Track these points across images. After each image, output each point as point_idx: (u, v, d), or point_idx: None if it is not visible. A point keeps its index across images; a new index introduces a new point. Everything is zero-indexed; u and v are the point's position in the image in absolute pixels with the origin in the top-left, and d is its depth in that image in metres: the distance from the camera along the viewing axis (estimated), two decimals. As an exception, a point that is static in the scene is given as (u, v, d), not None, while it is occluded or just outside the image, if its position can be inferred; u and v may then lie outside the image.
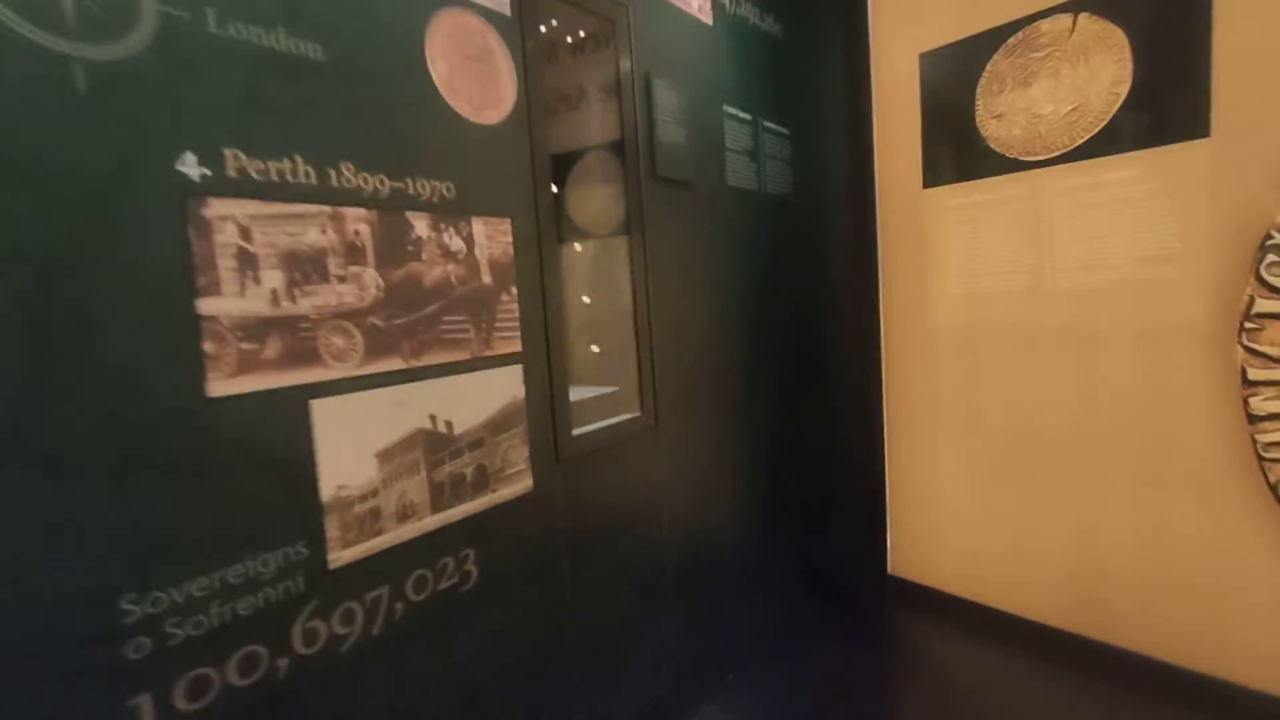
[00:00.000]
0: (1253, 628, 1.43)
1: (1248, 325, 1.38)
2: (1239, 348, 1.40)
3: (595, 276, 1.68)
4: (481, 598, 1.13)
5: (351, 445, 0.94)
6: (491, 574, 1.15)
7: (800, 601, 2.03)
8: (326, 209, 0.91)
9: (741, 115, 1.91)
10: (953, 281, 1.84)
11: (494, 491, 1.16)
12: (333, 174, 0.92)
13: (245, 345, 0.82)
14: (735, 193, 1.88)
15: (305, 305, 0.88)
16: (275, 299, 0.85)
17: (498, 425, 1.17)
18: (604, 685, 1.40)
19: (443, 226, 1.07)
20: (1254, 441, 1.41)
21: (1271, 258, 1.34)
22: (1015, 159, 1.67)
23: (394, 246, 1.00)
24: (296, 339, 0.88)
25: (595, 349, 1.58)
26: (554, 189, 1.55)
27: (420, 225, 1.04)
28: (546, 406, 1.27)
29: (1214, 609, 1.47)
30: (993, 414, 1.79)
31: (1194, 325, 1.46)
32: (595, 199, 1.65)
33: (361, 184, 0.96)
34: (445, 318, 1.07)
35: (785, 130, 2.11)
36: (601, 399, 1.53)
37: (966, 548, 1.89)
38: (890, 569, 2.07)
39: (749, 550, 1.91)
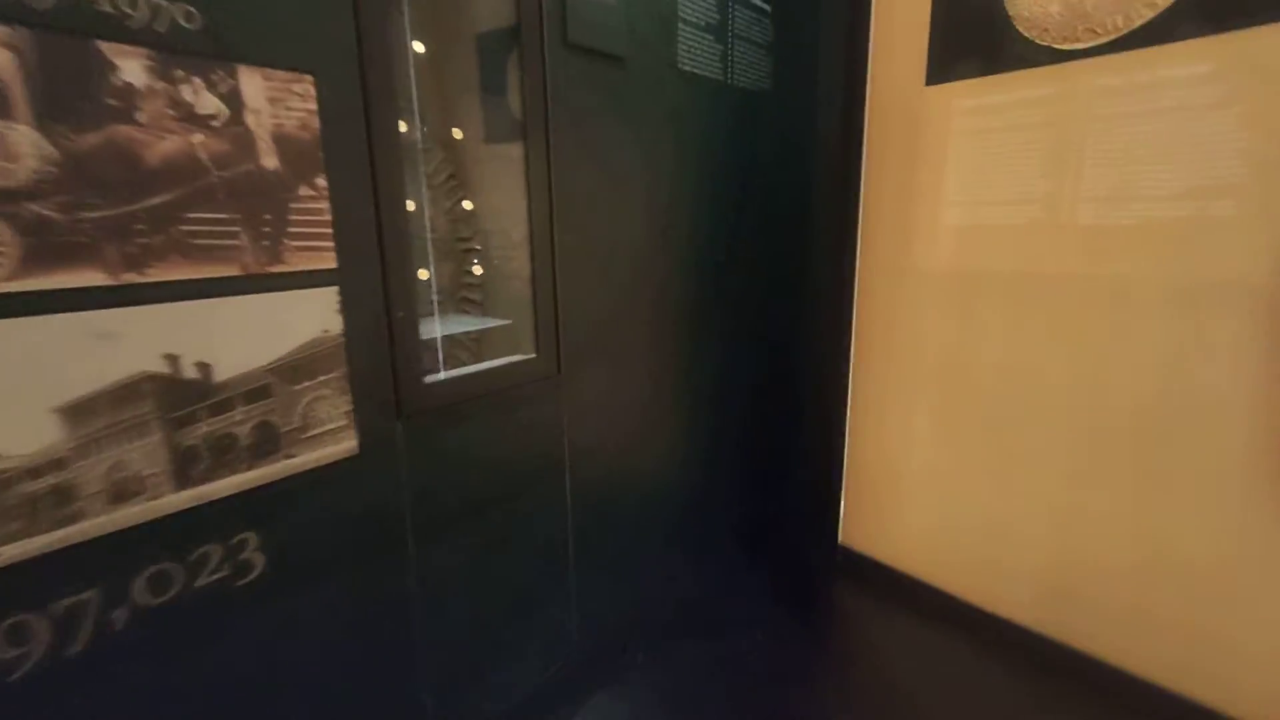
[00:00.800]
0: (1253, 656, 1.19)
1: (1321, 284, 1.05)
2: (1303, 313, 1.07)
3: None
4: (271, 592, 0.86)
5: (4, 396, 0.63)
6: (288, 562, 0.88)
7: (735, 569, 1.81)
8: (-90, 16, 0.56)
9: (705, -24, 1.48)
10: (947, 209, 1.48)
11: (290, 457, 0.87)
12: (-75, -43, 0.56)
13: None
14: (690, 79, 1.49)
15: None
16: None
17: (296, 369, 0.86)
18: (465, 685, 1.17)
19: (179, 74, 0.71)
20: (1297, 432, 1.11)
21: (1375, 194, 1.00)
22: (1048, 46, 1.27)
23: (74, 95, 0.65)
24: None
25: (477, 270, 1.24)
26: (418, 47, 1.16)
27: (130, 68, 0.68)
28: (382, 344, 0.96)
29: (1210, 629, 1.23)
30: (978, 376, 1.48)
31: (1246, 281, 1.13)
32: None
33: (-7, -18, 0.59)
34: (191, 214, 0.74)
35: (765, 5, 1.68)
36: (485, 336, 1.21)
37: (930, 524, 1.65)
38: (841, 538, 1.83)
39: (679, 509, 1.66)
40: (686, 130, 1.50)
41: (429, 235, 1.26)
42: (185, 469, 0.77)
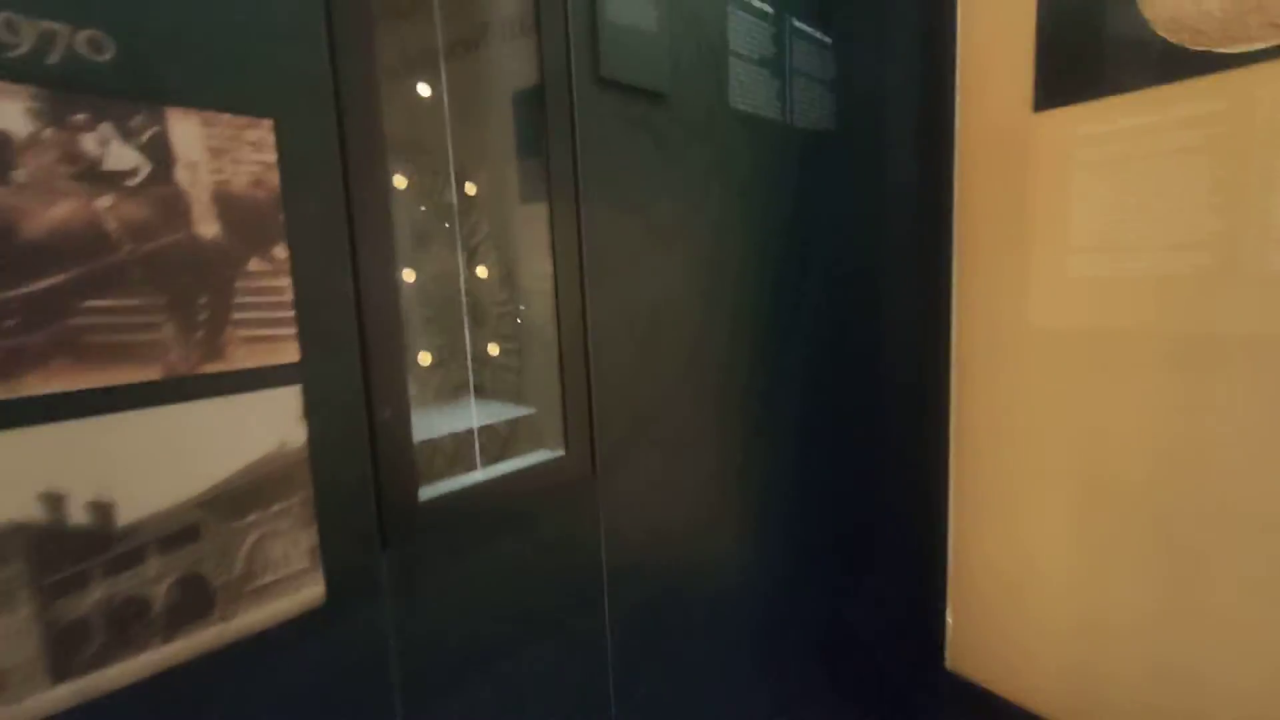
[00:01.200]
0: None
1: None
2: None
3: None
4: (196, 810, 0.63)
5: None
6: (223, 763, 0.64)
7: (820, 702, 1.47)
8: None
9: (757, 4, 1.30)
10: (1074, 258, 1.19)
11: (227, 619, 0.64)
12: None
13: None
14: (743, 120, 1.29)
15: None
16: None
17: (239, 498, 0.64)
18: None
19: (80, 120, 0.54)
20: None
21: None
22: (1206, 51, 1.01)
23: (-83, 149, 0.47)
24: None
25: (493, 349, 1.03)
26: (424, 90, 0.99)
27: (7, 112, 0.51)
28: (362, 455, 0.74)
29: None
30: (1135, 470, 1.16)
31: None
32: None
33: None
34: (89, 302, 0.55)
35: (826, 38, 1.48)
36: (500, 430, 0.99)
37: (1069, 652, 1.29)
38: (949, 663, 1.48)
39: (749, 634, 1.36)
40: (740, 178, 1.29)
41: (464, 305, 1.07)
42: (67, 654, 0.55)
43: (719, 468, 1.26)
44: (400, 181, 0.88)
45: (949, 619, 1.47)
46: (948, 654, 1.47)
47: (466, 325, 1.06)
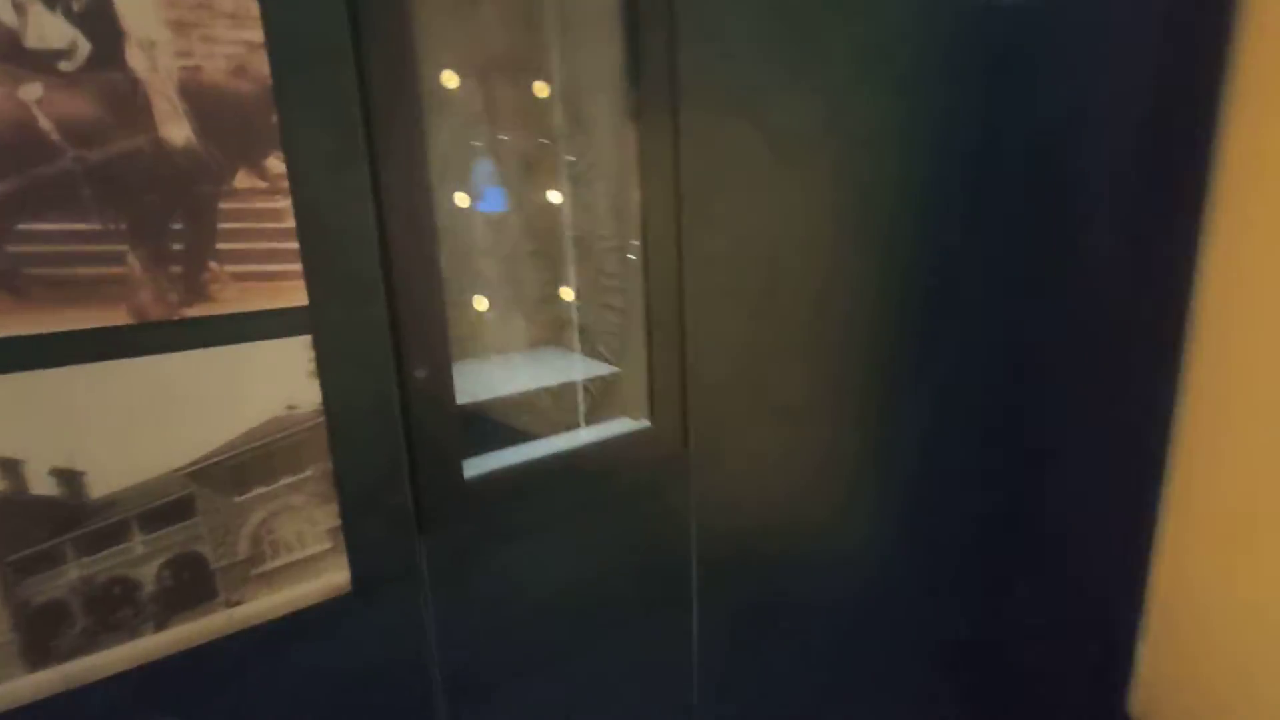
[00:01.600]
0: None
1: None
2: None
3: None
4: (209, 808, 0.56)
5: None
6: (238, 760, 0.57)
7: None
8: None
9: None
10: None
11: (234, 605, 0.55)
12: None
13: None
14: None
15: None
16: None
17: (239, 469, 0.53)
18: None
19: (-8, -21, 0.41)
20: None
21: None
22: None
23: None
24: None
25: (568, 294, 0.84)
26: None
27: (-109, -35, 0.38)
28: (392, 421, 0.61)
29: None
30: None
31: None
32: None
33: None
34: (26, 225, 0.44)
35: None
36: (577, 392, 0.82)
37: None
38: (1133, 708, 1.16)
39: (869, 645, 1.14)
40: (898, 71, 0.95)
41: (568, 241, 0.89)
42: (43, 638, 0.48)
43: (846, 447, 1.01)
44: (451, 79, 0.71)
45: (1141, 651, 1.14)
46: (1134, 696, 1.15)
47: (570, 261, 0.88)
